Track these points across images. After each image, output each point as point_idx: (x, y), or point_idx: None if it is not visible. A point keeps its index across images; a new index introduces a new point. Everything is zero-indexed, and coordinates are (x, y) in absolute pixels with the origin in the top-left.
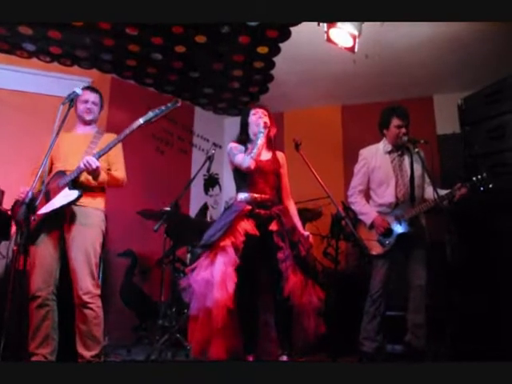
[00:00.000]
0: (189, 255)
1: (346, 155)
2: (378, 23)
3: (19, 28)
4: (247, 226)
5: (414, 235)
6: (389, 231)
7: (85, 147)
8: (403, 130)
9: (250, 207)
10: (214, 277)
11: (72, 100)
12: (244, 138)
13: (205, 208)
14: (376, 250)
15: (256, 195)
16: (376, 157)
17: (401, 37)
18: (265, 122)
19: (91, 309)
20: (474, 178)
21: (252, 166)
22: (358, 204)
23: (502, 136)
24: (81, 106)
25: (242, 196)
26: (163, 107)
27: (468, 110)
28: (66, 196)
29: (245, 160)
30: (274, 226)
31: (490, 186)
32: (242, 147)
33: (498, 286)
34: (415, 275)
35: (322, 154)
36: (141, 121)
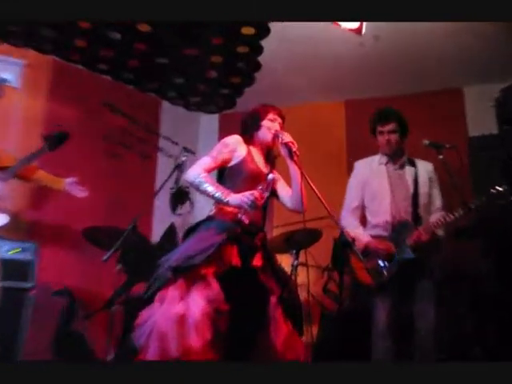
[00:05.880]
0: None
1: (351, 162)
2: None
3: None
4: (231, 253)
5: (419, 264)
6: (388, 257)
7: None
8: (393, 137)
9: (239, 230)
10: (191, 315)
11: None
12: (247, 138)
13: (171, 230)
14: (369, 281)
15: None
16: (371, 168)
17: None
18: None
19: None
20: (493, 191)
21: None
22: (349, 226)
23: None
24: None
25: (230, 209)
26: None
27: (508, 104)
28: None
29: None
30: (258, 261)
31: None
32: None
33: None
34: (423, 318)
35: (321, 161)
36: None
